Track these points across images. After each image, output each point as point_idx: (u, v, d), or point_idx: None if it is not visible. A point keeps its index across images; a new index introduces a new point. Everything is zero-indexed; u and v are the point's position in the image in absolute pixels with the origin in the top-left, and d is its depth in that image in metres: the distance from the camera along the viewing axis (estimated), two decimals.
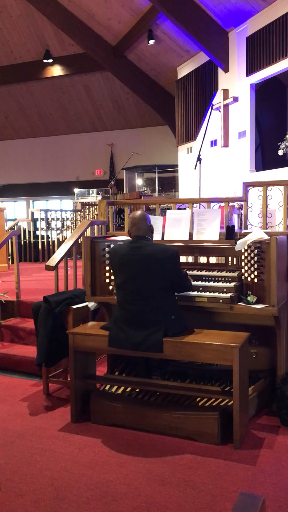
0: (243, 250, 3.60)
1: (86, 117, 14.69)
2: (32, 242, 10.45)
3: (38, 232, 10.85)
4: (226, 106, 8.15)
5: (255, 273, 3.50)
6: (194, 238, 4.02)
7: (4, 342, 5.18)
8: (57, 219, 10.53)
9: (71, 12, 11.00)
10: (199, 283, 3.69)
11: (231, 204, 5.64)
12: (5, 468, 2.90)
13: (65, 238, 9.59)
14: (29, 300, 5.41)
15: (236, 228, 4.28)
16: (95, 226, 5.16)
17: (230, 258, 3.79)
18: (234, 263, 3.77)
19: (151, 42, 10.01)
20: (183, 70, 10.15)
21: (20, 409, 3.78)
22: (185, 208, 4.67)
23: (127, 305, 3.38)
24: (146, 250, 3.36)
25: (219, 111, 8.16)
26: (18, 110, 15.07)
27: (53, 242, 10.24)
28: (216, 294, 3.58)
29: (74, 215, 11.01)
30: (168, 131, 12.74)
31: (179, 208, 5.05)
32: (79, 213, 11.02)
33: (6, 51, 13.26)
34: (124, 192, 12.93)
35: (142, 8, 9.63)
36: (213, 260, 3.86)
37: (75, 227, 10.43)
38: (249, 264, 3.55)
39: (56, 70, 13.25)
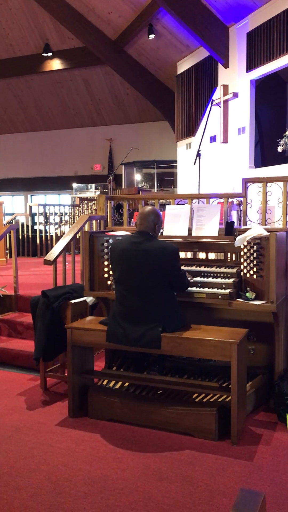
0: (242, 246, 3.60)
1: (85, 111, 14.62)
2: (30, 236, 10.43)
3: (36, 227, 10.84)
4: (226, 102, 8.11)
5: (254, 269, 3.50)
6: (193, 234, 4.01)
7: (2, 336, 5.17)
8: (55, 213, 10.51)
9: (71, 6, 10.93)
10: (198, 279, 3.68)
11: (230, 200, 5.63)
12: (3, 462, 2.90)
13: (63, 233, 9.56)
14: (27, 295, 5.41)
15: (235, 224, 4.27)
16: (93, 221, 5.16)
17: (229, 254, 3.78)
18: (233, 259, 3.76)
19: (151, 36, 9.96)
20: (183, 65, 10.10)
21: (17, 404, 3.78)
22: (184, 204, 4.66)
23: (126, 301, 3.36)
24: (145, 245, 3.33)
25: (219, 106, 8.13)
26: (17, 104, 15.00)
27: (51, 236, 10.22)
28: (215, 290, 3.57)
29: (73, 210, 10.99)
30: (168, 126, 12.70)
31: (178, 204, 5.04)
32: (77, 208, 11.00)
33: (5, 44, 13.18)
34: (123, 187, 12.91)
35: (142, 2, 9.57)
36: (212, 256, 3.85)
37: (73, 222, 10.42)
38: (248, 260, 3.54)
39: (56, 64, 13.16)
